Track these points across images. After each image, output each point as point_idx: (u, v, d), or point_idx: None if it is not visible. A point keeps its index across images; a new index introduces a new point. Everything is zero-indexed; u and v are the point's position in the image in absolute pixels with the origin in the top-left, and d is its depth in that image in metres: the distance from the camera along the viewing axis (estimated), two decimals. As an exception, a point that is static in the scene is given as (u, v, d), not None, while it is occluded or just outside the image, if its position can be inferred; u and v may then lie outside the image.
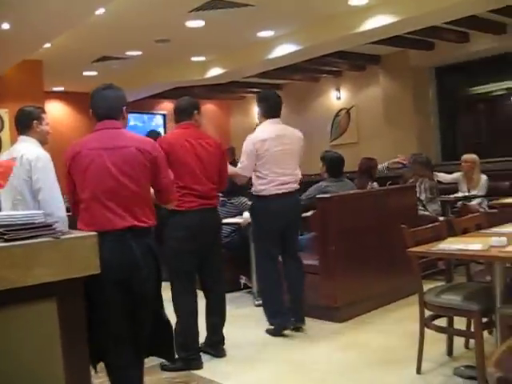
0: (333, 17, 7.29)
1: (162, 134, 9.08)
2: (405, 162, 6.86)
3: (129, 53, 8.62)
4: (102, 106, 3.09)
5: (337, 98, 10.97)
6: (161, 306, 3.17)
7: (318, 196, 5.04)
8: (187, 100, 4.20)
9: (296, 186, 4.65)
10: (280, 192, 4.50)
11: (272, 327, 4.63)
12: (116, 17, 6.53)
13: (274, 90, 5.07)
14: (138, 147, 3.00)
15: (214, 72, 9.59)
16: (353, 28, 7.32)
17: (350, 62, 9.87)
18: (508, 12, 7.02)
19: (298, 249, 4.77)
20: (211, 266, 4.14)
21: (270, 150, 4.48)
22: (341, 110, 10.90)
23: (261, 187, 4.54)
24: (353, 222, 5.10)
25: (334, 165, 5.55)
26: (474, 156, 7.16)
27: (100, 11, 6.16)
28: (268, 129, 4.56)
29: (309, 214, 5.28)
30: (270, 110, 4.61)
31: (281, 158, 4.52)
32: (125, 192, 2.93)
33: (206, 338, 4.22)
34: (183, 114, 4.13)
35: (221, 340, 4.23)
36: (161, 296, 3.16)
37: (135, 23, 6.97)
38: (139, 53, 8.62)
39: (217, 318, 4.21)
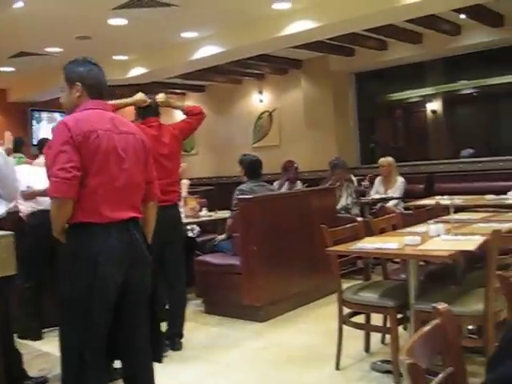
0: (256, 20, 7.35)
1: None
2: None
3: (48, 49, 8.34)
4: (95, 83, 2.77)
5: (259, 100, 11.04)
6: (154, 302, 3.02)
7: (239, 197, 5.07)
8: None
9: None
10: None
11: None
12: (35, 10, 6.32)
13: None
14: (140, 135, 2.82)
15: (137, 72, 9.44)
16: (275, 32, 7.39)
17: (272, 66, 9.97)
18: (424, 22, 7.30)
19: None
20: None
21: None
22: (263, 112, 10.97)
23: None
24: (274, 222, 5.17)
25: (252, 167, 5.53)
26: (389, 159, 7.41)
27: (18, 4, 5.95)
28: None
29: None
30: None
31: None
32: (131, 181, 2.68)
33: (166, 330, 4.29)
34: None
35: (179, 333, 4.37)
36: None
37: (55, 18, 6.77)
38: (59, 49, 8.37)
39: None
